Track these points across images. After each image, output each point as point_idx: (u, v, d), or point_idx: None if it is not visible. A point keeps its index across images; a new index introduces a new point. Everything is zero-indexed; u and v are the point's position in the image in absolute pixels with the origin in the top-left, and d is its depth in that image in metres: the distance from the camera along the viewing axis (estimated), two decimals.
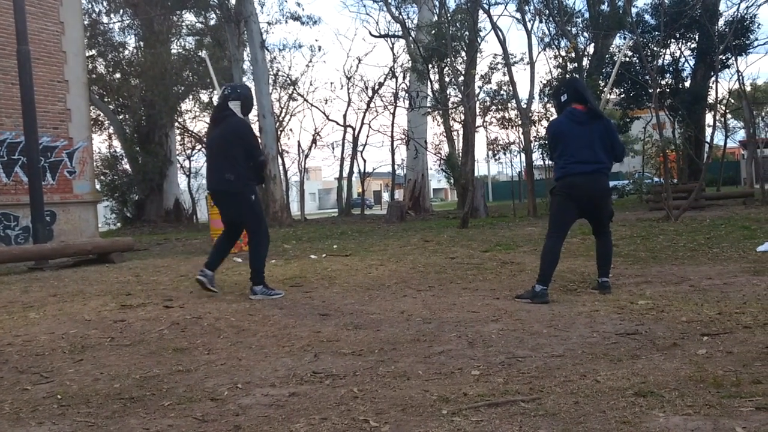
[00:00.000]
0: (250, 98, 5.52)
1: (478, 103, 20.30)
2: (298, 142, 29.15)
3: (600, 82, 16.90)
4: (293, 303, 5.03)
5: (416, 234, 11.43)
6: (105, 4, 22.88)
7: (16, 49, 8.99)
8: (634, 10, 17.31)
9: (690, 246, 7.43)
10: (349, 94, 31.15)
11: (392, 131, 26.75)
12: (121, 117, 22.72)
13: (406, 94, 23.91)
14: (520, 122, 18.46)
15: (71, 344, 3.87)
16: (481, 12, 17.76)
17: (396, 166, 27.64)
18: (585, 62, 18.13)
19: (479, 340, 3.56)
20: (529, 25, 16.71)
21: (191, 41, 25.43)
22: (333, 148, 29.33)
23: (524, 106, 16.82)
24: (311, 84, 44.80)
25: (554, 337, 3.54)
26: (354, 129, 26.73)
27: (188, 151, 27.04)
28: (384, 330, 3.93)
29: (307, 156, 28.40)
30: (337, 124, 27.60)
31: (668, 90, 18.32)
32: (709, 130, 17.73)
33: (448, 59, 17.49)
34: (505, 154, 24.20)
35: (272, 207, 17.31)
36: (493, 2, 17.67)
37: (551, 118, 9.84)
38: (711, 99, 17.96)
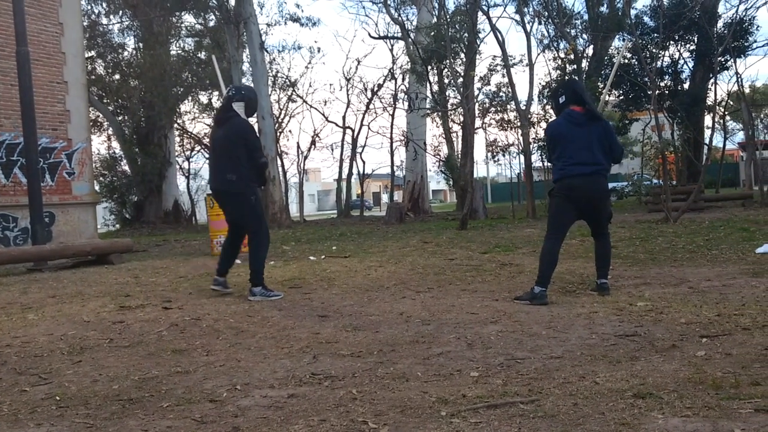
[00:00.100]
0: (254, 100, 5.54)
1: (477, 104, 20.32)
2: (298, 143, 29.17)
3: (599, 83, 16.90)
4: (292, 304, 5.03)
5: (415, 235, 11.43)
6: (104, 5, 22.89)
7: (15, 51, 8.99)
8: (633, 12, 17.35)
9: (689, 248, 7.43)
10: (348, 95, 31.17)
11: (391, 133, 26.78)
12: (120, 118, 22.71)
13: (406, 96, 23.92)
14: (519, 124, 18.48)
15: (70, 345, 3.87)
16: (480, 13, 17.78)
17: (395, 168, 27.65)
18: (584, 64, 18.15)
19: (478, 342, 3.56)
20: (528, 27, 16.74)
21: (190, 42, 25.44)
22: (332, 150, 29.35)
23: (523, 107, 16.82)
24: (310, 85, 44.97)
25: (553, 339, 3.55)
26: (353, 130, 26.75)
27: (187, 153, 27.03)
28: (383, 331, 3.93)
29: (306, 157, 28.44)
30: (337, 125, 27.62)
31: (667, 92, 18.34)
32: (708, 132, 17.74)
33: (448, 61, 17.50)
34: (504, 155, 24.28)
35: (271, 208, 17.30)
36: (492, 4, 17.71)
37: (550, 120, 9.85)
38: (710, 101, 17.98)
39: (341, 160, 27.49)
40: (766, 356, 2.98)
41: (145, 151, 21.27)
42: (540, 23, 18.78)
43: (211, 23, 23.46)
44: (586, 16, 19.40)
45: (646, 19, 18.44)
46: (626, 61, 17.63)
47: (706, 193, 17.49)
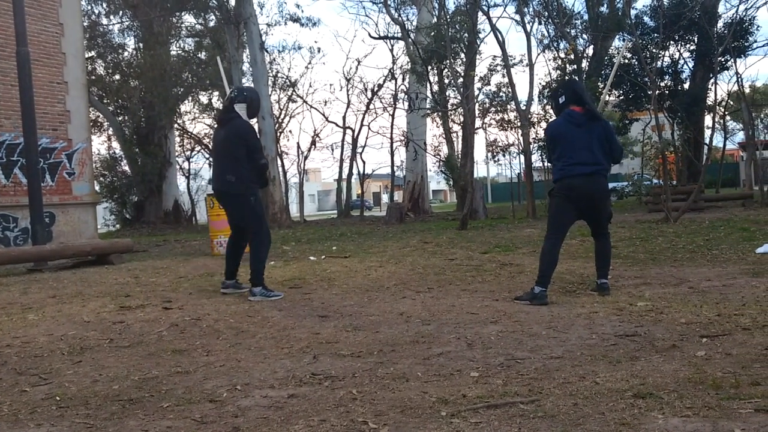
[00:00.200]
0: (257, 101, 5.56)
1: (477, 104, 20.32)
2: (298, 143, 29.14)
3: (599, 83, 16.90)
4: (292, 304, 5.03)
5: (415, 235, 11.43)
6: (104, 5, 22.90)
7: (15, 51, 8.99)
8: (633, 12, 17.34)
9: (689, 248, 7.43)
10: (348, 95, 31.21)
11: (391, 133, 26.79)
12: (120, 118, 22.72)
13: (406, 96, 23.93)
14: (519, 124, 18.47)
15: (70, 346, 3.87)
16: (480, 14, 17.78)
17: (395, 168, 27.66)
18: (584, 64, 18.14)
19: (478, 342, 3.56)
20: (528, 27, 16.73)
21: (191, 43, 25.45)
22: (332, 150, 29.37)
23: (523, 107, 16.82)
24: (310, 86, 44.91)
25: (553, 339, 3.55)
26: (353, 130, 26.76)
27: (187, 153, 27.05)
28: (383, 331, 3.93)
29: (306, 157, 28.45)
30: (337, 125, 27.64)
31: (667, 92, 18.33)
32: (708, 132, 17.75)
33: (448, 61, 17.50)
34: (504, 155, 24.26)
35: (271, 208, 17.31)
36: (492, 4, 17.68)
37: (550, 120, 9.84)
38: (710, 101, 17.97)
39: (341, 160, 27.51)
40: (767, 356, 2.98)
41: (145, 151, 21.28)
42: (540, 23, 18.78)
43: (212, 23, 23.47)
44: (586, 16, 19.41)
45: (646, 19, 18.44)
46: (626, 61, 17.63)
47: (706, 193, 17.49)
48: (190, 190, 26.67)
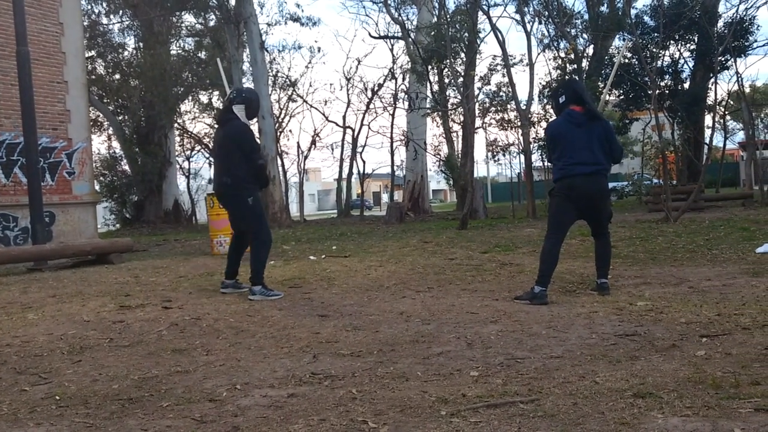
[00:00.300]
0: (255, 102, 5.57)
1: (477, 104, 20.31)
2: (298, 143, 29.14)
3: (599, 83, 16.90)
4: (292, 304, 5.03)
5: (415, 235, 11.43)
6: (105, 5, 22.89)
7: (15, 50, 8.99)
8: (633, 12, 17.33)
9: (689, 247, 7.43)
10: (348, 95, 31.23)
11: (392, 132, 26.78)
12: (120, 118, 22.72)
13: (406, 96, 23.91)
14: (519, 124, 18.47)
15: (70, 345, 3.87)
16: (480, 13, 17.77)
17: (395, 168, 27.66)
18: (584, 64, 18.13)
19: (478, 341, 3.56)
20: (528, 27, 16.72)
21: (191, 42, 25.46)
22: (332, 149, 29.37)
23: (523, 107, 16.82)
24: (311, 85, 45.01)
25: (553, 339, 3.55)
26: (353, 130, 26.76)
27: (187, 152, 27.05)
28: (383, 331, 3.93)
29: (306, 157, 28.45)
30: (337, 125, 27.63)
31: (667, 91, 18.33)
32: (708, 132, 17.74)
33: (448, 60, 17.49)
34: (504, 155, 24.25)
35: (271, 208, 17.30)
36: (492, 3, 17.68)
37: (550, 120, 9.85)
38: (710, 100, 17.97)
39: (341, 160, 27.51)
40: (766, 356, 2.98)
41: (145, 150, 21.28)
42: (540, 23, 18.76)
43: (212, 23, 23.47)
44: (586, 16, 19.39)
45: (646, 18, 18.43)
46: (626, 60, 17.62)
47: (706, 192, 17.49)
48: (190, 190, 26.67)
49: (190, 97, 24.76)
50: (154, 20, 21.62)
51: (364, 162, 28.62)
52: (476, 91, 20.03)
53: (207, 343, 3.84)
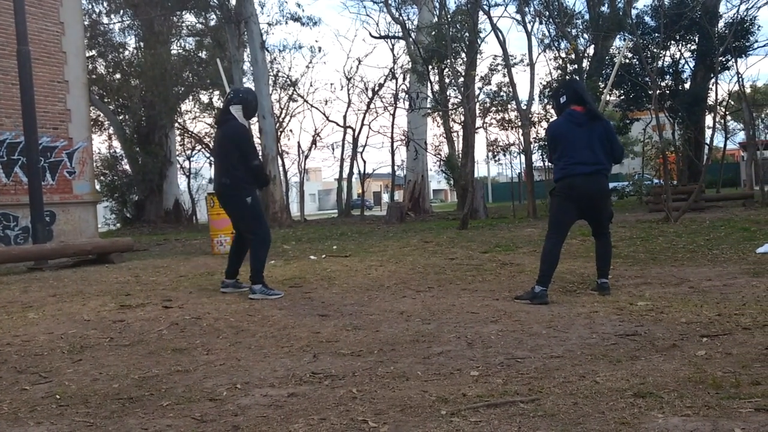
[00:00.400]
0: (253, 102, 5.59)
1: (477, 104, 20.31)
2: (298, 142, 29.11)
3: (600, 83, 16.90)
4: (292, 303, 5.03)
5: (416, 235, 11.43)
6: (105, 4, 22.89)
7: (16, 50, 8.99)
8: (634, 12, 17.35)
9: (689, 247, 7.43)
10: (349, 95, 31.25)
11: (392, 132, 26.79)
12: (120, 117, 22.72)
13: (406, 95, 23.91)
14: (519, 123, 18.47)
15: (70, 344, 3.87)
16: (481, 13, 17.77)
17: (396, 167, 27.66)
18: (585, 64, 18.13)
19: (478, 341, 3.56)
20: (529, 27, 16.71)
21: (191, 42, 25.45)
22: (333, 149, 29.39)
23: (524, 107, 16.82)
24: (311, 85, 44.96)
25: (553, 338, 3.54)
26: (354, 130, 26.76)
27: (188, 152, 27.05)
28: (383, 331, 3.93)
29: (306, 157, 28.46)
30: (337, 125, 27.64)
31: (668, 92, 18.33)
32: (708, 132, 17.75)
33: (448, 60, 17.49)
34: (504, 155, 24.23)
35: (272, 208, 17.30)
36: (493, 3, 17.68)
37: (551, 120, 9.85)
38: (711, 101, 17.97)
39: (342, 160, 27.51)
40: (767, 356, 2.98)
41: (145, 150, 21.28)
42: (541, 23, 18.76)
43: (212, 22, 23.47)
44: (587, 16, 19.40)
45: (647, 18, 18.44)
46: (627, 60, 17.62)
47: (706, 192, 17.48)
48: (191, 189, 26.68)
49: (190, 97, 24.76)
50: (154, 20, 21.62)
51: (364, 162, 28.66)
52: (477, 91, 20.04)
53: (207, 342, 3.84)
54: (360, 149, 27.28)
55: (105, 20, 23.18)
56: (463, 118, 21.29)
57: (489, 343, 3.50)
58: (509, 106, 20.34)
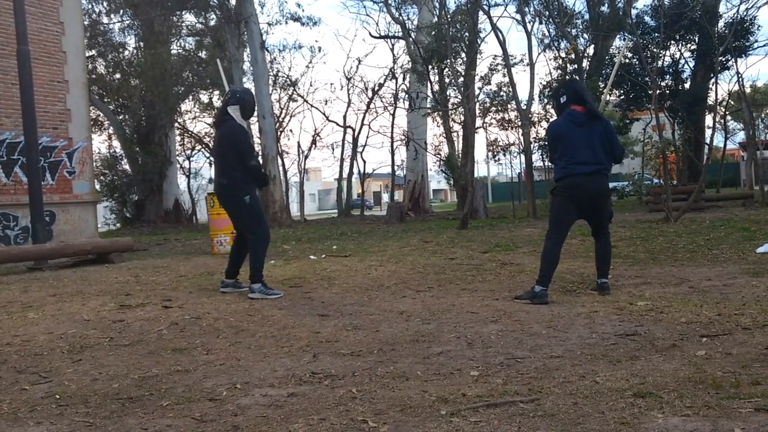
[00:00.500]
0: (250, 102, 5.61)
1: (477, 104, 20.30)
2: (298, 142, 29.14)
3: (600, 83, 16.89)
4: (292, 303, 5.03)
5: (416, 235, 11.43)
6: (105, 4, 22.88)
7: (16, 49, 8.99)
8: (633, 12, 17.33)
9: (689, 247, 7.43)
10: (349, 95, 31.27)
11: (392, 132, 26.78)
12: (120, 117, 22.71)
13: (406, 95, 23.91)
14: (519, 123, 18.47)
15: (70, 344, 3.87)
16: (481, 13, 17.77)
17: (396, 167, 27.66)
18: (585, 64, 18.13)
19: (478, 341, 3.56)
20: (529, 27, 16.72)
21: (191, 42, 25.45)
22: (333, 149, 29.38)
23: (524, 107, 16.82)
24: (311, 85, 44.95)
25: (553, 338, 3.54)
26: (354, 130, 26.76)
27: (188, 152, 27.04)
28: (383, 330, 3.93)
29: (306, 157, 28.45)
30: (337, 124, 27.64)
31: (668, 91, 18.33)
32: (708, 132, 17.75)
33: (448, 60, 17.49)
34: (504, 155, 24.23)
35: (272, 207, 17.30)
36: (492, 3, 17.68)
37: (551, 120, 9.85)
38: (711, 100, 17.98)
39: (342, 160, 27.51)
40: (767, 356, 2.98)
41: (145, 150, 21.28)
42: (541, 23, 18.76)
43: (212, 22, 23.47)
44: (587, 16, 19.41)
45: (646, 18, 18.44)
46: (627, 60, 17.62)
47: (706, 192, 17.48)
48: (191, 189, 26.68)
49: (190, 97, 24.76)
50: (154, 20, 21.62)
51: (364, 162, 28.66)
52: (477, 91, 20.04)
53: (207, 342, 3.84)
54: (360, 149, 27.31)
55: (105, 20, 23.19)
56: (462, 118, 21.29)
57: (489, 343, 3.50)
58: (509, 106, 20.34)
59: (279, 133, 24.48)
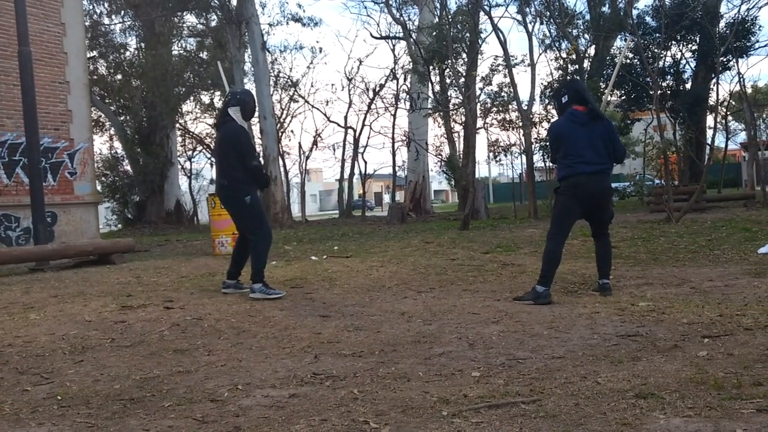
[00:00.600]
0: (251, 103, 5.63)
1: (478, 104, 20.30)
2: (299, 143, 29.17)
3: (601, 83, 16.89)
4: (294, 304, 5.03)
5: (417, 236, 11.43)
6: (106, 5, 22.91)
7: (17, 51, 9.00)
8: (634, 12, 17.32)
9: (691, 248, 7.42)
10: (350, 95, 31.14)
11: (393, 133, 26.80)
12: (122, 118, 22.73)
13: (407, 96, 23.92)
14: (520, 124, 18.46)
15: (72, 345, 3.87)
16: (482, 13, 17.76)
17: (397, 168, 27.67)
18: (586, 64, 18.13)
19: (480, 342, 3.55)
20: (530, 27, 16.71)
21: (192, 43, 25.46)
22: (334, 150, 29.41)
23: (525, 107, 16.81)
24: (312, 85, 44.92)
25: (555, 339, 3.54)
26: (355, 130, 26.78)
27: (189, 153, 27.07)
28: (384, 331, 3.93)
29: (308, 157, 28.47)
30: (338, 125, 27.65)
31: (669, 92, 18.32)
32: (710, 132, 17.74)
33: (449, 61, 17.49)
34: (505, 155, 24.23)
35: (273, 208, 17.31)
36: (493, 4, 17.67)
37: (552, 120, 9.83)
38: (712, 101, 17.98)
39: (343, 161, 27.53)
40: None
41: (146, 151, 21.29)
42: (542, 23, 18.74)
43: (213, 23, 23.49)
44: (587, 16, 19.40)
45: (647, 19, 18.43)
46: (628, 61, 17.61)
47: (708, 193, 17.48)
48: (192, 190, 26.70)
49: (191, 98, 24.79)
50: (155, 20, 21.63)
51: (365, 162, 28.67)
52: (478, 92, 20.04)
53: (208, 343, 3.84)
54: (361, 150, 27.33)
55: (106, 21, 23.22)
56: (464, 119, 21.28)
57: (490, 344, 3.50)
58: (510, 107, 20.35)
59: (280, 134, 24.50)
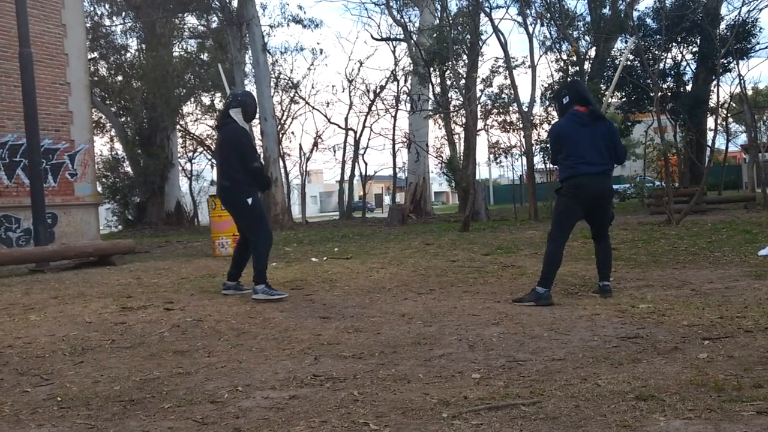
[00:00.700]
0: (252, 105, 5.64)
1: (479, 106, 20.30)
2: (300, 145, 29.23)
3: (601, 85, 16.89)
4: (294, 306, 5.03)
5: (417, 237, 11.43)
6: (107, 6, 22.94)
7: (18, 52, 9.01)
8: (635, 14, 17.34)
9: (691, 250, 7.42)
10: (350, 97, 31.26)
11: (393, 134, 26.79)
12: (122, 119, 22.75)
13: (408, 97, 23.92)
14: (521, 126, 18.46)
15: (72, 346, 3.87)
16: (482, 15, 17.77)
17: (397, 170, 27.66)
18: (586, 66, 18.12)
19: (480, 344, 3.55)
20: (530, 29, 16.72)
21: (193, 44, 25.49)
22: (334, 151, 29.43)
23: (525, 109, 16.81)
24: (313, 87, 45.04)
25: (555, 341, 3.54)
26: (355, 132, 26.78)
27: (190, 154, 27.08)
28: (384, 333, 3.93)
29: (308, 159, 28.48)
30: (339, 127, 27.65)
31: (670, 94, 18.32)
32: (710, 134, 17.73)
33: (450, 62, 17.49)
34: (506, 157, 24.20)
35: (273, 210, 17.31)
36: (494, 5, 17.69)
37: (553, 122, 9.84)
38: (712, 103, 17.97)
39: (343, 162, 27.53)
40: None
41: (147, 152, 21.30)
42: (542, 25, 18.74)
43: (214, 25, 23.51)
44: (588, 18, 19.39)
45: (648, 20, 18.44)
46: (629, 62, 17.61)
47: (708, 195, 17.46)
48: (192, 191, 26.70)
49: (192, 99, 24.80)
50: (156, 22, 21.65)
51: (366, 164, 28.66)
52: (478, 93, 20.04)
53: (208, 344, 3.84)
54: (361, 151, 27.33)
55: (107, 22, 23.24)
56: (464, 120, 21.28)
57: (490, 346, 3.49)
58: (511, 108, 20.33)
59: (281, 136, 24.51)
